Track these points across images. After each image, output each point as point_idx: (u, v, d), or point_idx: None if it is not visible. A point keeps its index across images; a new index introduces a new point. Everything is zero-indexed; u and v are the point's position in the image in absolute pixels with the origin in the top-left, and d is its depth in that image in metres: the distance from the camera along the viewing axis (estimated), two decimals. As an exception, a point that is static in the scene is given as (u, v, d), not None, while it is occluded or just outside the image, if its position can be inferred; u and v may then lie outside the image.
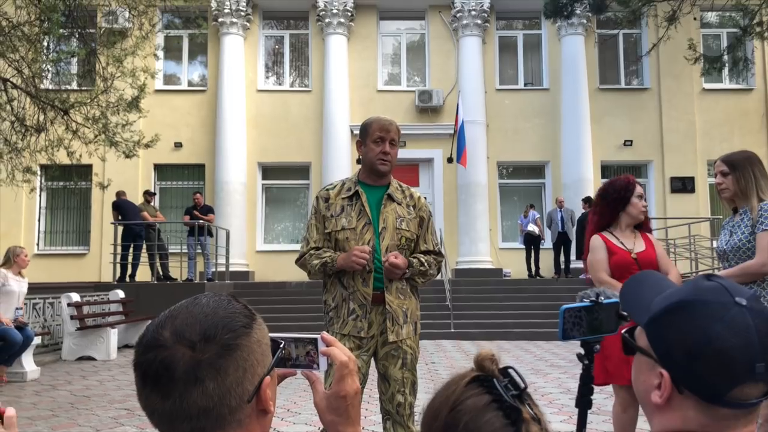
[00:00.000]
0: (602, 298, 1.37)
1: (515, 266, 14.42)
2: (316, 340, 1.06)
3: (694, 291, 0.91)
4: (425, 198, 2.98)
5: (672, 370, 0.89)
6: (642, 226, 3.42)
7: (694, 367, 0.87)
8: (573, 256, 13.38)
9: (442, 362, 8.13)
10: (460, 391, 0.84)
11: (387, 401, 2.74)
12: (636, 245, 3.30)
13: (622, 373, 3.05)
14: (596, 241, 3.34)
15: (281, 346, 1.00)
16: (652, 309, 0.93)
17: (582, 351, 1.49)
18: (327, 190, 2.90)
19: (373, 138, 2.80)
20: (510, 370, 0.86)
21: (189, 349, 0.84)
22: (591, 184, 14.60)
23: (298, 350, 1.07)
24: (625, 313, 1.38)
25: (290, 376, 1.07)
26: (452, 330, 10.83)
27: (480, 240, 14.52)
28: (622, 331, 1.04)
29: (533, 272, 13.74)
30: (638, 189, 3.35)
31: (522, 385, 0.84)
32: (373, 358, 2.81)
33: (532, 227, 13.66)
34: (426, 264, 2.84)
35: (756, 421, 0.92)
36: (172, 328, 0.86)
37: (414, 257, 2.83)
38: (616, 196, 3.33)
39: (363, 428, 3.97)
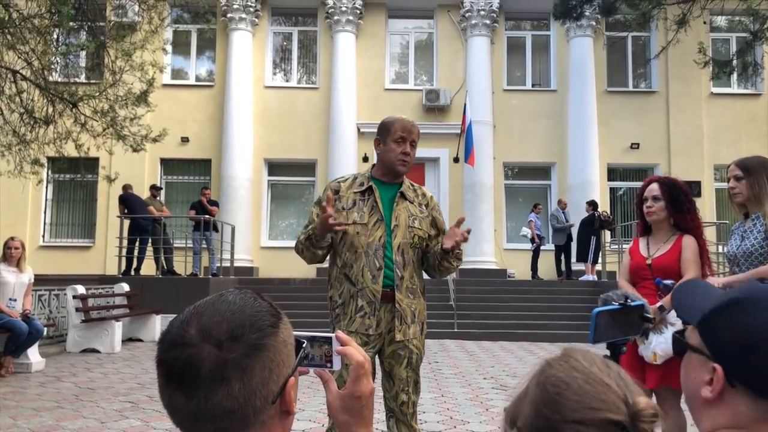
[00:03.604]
0: (629, 301, 1.38)
1: (519, 267, 14.39)
2: (330, 339, 1.06)
3: (747, 290, 0.94)
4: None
5: (725, 365, 0.90)
6: (684, 228, 3.23)
7: (748, 359, 0.88)
8: (573, 258, 13.36)
9: (445, 362, 8.13)
10: (596, 422, 0.77)
11: (391, 399, 2.75)
12: (660, 250, 3.25)
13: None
14: (630, 246, 3.48)
15: (303, 345, 0.99)
16: (705, 308, 0.95)
17: (608, 353, 1.49)
18: (338, 182, 2.86)
19: (395, 138, 2.77)
20: None
21: (215, 348, 0.82)
22: (597, 187, 14.56)
23: (313, 349, 1.06)
24: (648, 315, 1.38)
25: (301, 375, 1.06)
26: (456, 330, 10.82)
27: (485, 240, 14.48)
28: (673, 332, 1.06)
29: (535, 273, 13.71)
30: (647, 191, 3.28)
31: None
32: (377, 356, 2.80)
33: (536, 231, 13.60)
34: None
35: None
36: (198, 326, 0.84)
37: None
38: (636, 201, 3.39)
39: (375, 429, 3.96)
